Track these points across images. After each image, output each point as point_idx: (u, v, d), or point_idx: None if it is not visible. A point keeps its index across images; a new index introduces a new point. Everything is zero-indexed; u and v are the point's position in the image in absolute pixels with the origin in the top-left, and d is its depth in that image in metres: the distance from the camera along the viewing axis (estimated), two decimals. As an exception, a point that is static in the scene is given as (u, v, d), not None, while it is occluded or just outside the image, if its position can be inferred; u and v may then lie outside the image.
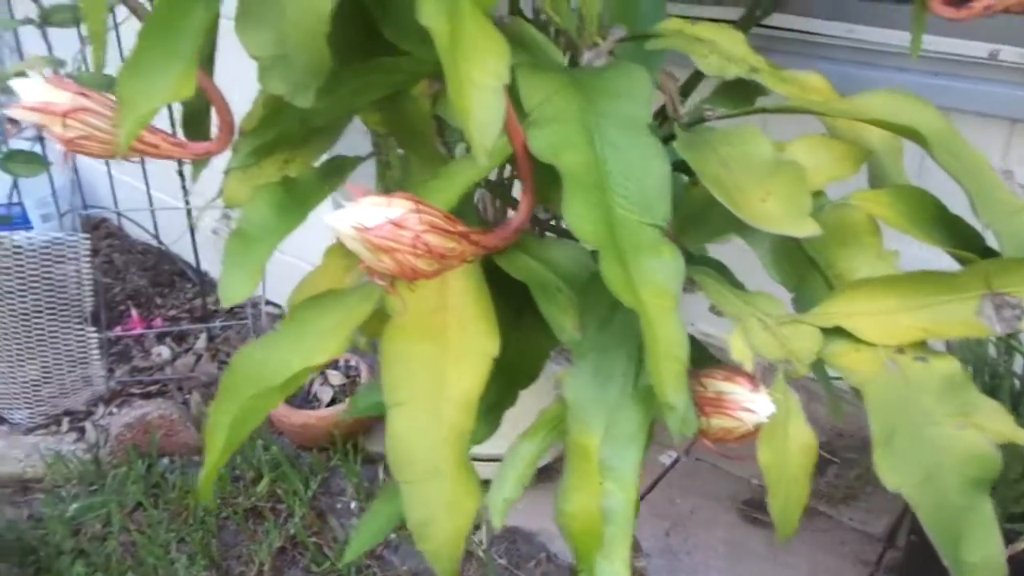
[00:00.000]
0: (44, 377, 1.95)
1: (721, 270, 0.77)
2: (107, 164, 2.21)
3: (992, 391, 1.20)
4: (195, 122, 0.90)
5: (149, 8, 0.74)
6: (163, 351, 2.17)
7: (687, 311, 0.60)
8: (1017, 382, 1.22)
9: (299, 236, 0.75)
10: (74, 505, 1.72)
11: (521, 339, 0.73)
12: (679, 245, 0.60)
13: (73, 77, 1.43)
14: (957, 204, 0.73)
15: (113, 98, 0.68)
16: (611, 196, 0.60)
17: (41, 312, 1.90)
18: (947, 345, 0.65)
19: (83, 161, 2.34)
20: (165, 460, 1.85)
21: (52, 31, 1.62)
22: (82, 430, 1.93)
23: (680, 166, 0.70)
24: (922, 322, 0.64)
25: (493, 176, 1.20)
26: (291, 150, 0.79)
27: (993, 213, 0.69)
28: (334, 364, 1.92)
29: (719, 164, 0.65)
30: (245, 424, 0.66)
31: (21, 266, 1.85)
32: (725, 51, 0.78)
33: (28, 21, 1.64)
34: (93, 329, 1.98)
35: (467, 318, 0.67)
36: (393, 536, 1.62)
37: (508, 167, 1.13)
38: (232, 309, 2.38)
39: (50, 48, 1.70)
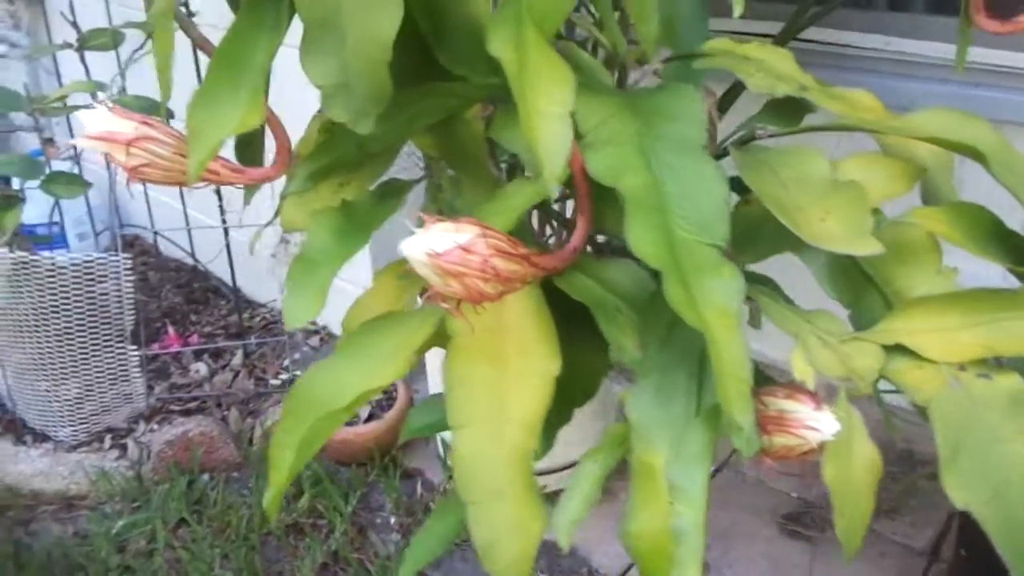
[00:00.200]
0: (85, 394, 1.97)
1: (774, 287, 0.78)
2: (143, 184, 2.24)
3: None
4: (248, 146, 0.91)
5: (211, 40, 0.75)
6: (201, 368, 2.19)
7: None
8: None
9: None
10: (120, 522, 1.74)
11: (575, 357, 0.74)
12: (737, 264, 0.60)
13: (115, 100, 1.46)
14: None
15: (173, 128, 0.70)
16: (671, 218, 0.61)
17: (81, 330, 1.93)
18: (999, 360, 0.66)
19: (118, 181, 2.37)
20: (206, 476, 1.87)
21: (89, 53, 1.64)
22: (124, 447, 1.96)
23: (731, 184, 0.71)
24: (982, 339, 0.64)
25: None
26: (347, 174, 0.80)
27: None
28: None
29: (778, 184, 0.66)
30: (311, 446, 0.67)
31: (63, 286, 1.88)
32: (773, 69, 0.78)
33: (67, 46, 1.67)
34: (133, 347, 2.01)
35: (528, 339, 0.67)
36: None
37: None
38: (267, 325, 2.41)
39: (88, 71, 1.72)
